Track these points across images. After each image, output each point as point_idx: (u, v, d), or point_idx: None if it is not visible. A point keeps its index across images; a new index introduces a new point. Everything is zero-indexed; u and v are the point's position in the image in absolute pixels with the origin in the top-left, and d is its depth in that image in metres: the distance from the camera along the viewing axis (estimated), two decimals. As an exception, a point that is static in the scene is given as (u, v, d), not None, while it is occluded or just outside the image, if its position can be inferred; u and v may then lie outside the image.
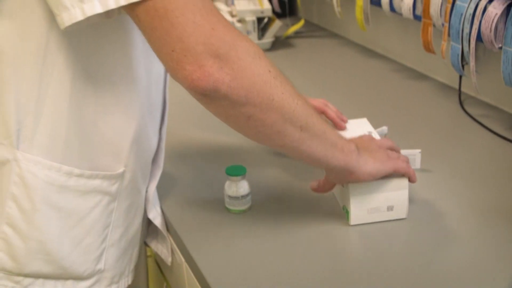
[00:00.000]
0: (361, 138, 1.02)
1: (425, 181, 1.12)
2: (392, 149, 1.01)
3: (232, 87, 0.77)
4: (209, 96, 0.77)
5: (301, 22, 1.99)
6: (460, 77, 1.42)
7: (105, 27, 0.87)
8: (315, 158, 0.91)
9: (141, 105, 0.97)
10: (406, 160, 1.00)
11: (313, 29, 2.09)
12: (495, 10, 1.16)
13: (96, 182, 0.94)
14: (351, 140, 0.95)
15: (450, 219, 1.03)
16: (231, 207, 1.05)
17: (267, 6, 1.88)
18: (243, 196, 1.04)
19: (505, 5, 1.15)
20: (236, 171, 1.05)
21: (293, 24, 2.00)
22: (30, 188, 0.90)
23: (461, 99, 1.43)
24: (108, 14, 0.77)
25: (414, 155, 1.14)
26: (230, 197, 1.05)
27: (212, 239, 1.01)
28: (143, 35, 0.78)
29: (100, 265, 0.99)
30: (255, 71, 0.80)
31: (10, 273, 0.94)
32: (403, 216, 0.99)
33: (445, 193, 1.09)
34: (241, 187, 1.04)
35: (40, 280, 0.95)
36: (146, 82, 0.98)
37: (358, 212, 0.99)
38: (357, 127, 1.15)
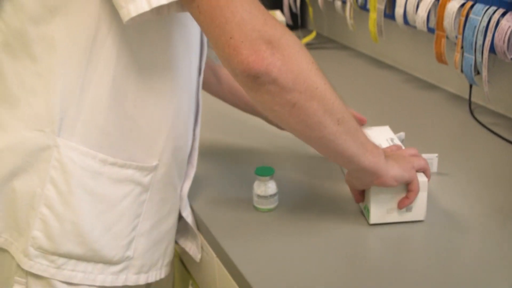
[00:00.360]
0: (387, 147, 1.06)
1: (441, 184, 1.14)
2: (415, 156, 1.03)
3: (282, 71, 0.80)
4: (260, 80, 0.81)
5: (313, 34, 2.02)
6: (471, 87, 1.45)
7: (150, 26, 0.90)
8: (348, 155, 0.93)
9: (177, 104, 0.99)
10: (427, 167, 1.02)
11: (324, 41, 2.10)
12: (508, 23, 1.20)
13: (129, 172, 0.96)
14: (375, 145, 0.97)
15: (466, 221, 1.04)
16: (259, 206, 1.07)
17: (281, 18, 1.91)
18: (271, 196, 1.06)
19: None
20: (265, 172, 1.07)
21: (304, 36, 2.03)
22: (68, 172, 0.93)
23: (471, 108, 1.45)
24: (159, 11, 0.80)
25: (431, 159, 1.16)
26: (259, 196, 1.06)
27: (243, 236, 1.02)
28: (200, 27, 0.82)
29: (129, 252, 1.00)
30: (302, 59, 0.84)
31: (46, 251, 0.96)
32: (421, 218, 1.01)
33: (462, 196, 1.11)
34: (269, 187, 1.06)
35: (73, 261, 0.97)
36: (184, 81, 1.00)
37: (378, 211, 1.00)
38: (379, 134, 1.15)
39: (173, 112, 1.00)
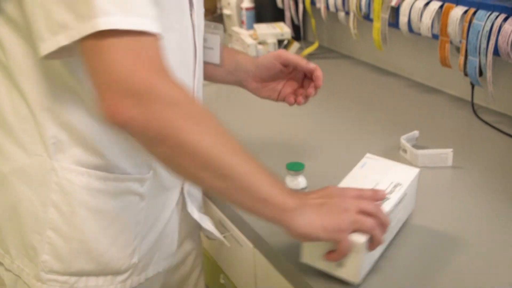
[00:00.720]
0: (322, 190, 0.88)
1: (457, 176, 1.17)
2: (359, 199, 0.86)
3: (145, 125, 0.76)
4: (125, 131, 0.78)
5: (316, 45, 2.04)
6: (472, 89, 1.49)
7: None
8: (241, 208, 0.86)
9: None
10: (381, 219, 0.84)
11: (324, 51, 2.11)
12: (511, 26, 1.25)
13: (127, 184, 0.95)
14: (297, 195, 0.85)
15: (484, 207, 1.07)
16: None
17: (286, 29, 1.95)
18: (302, 189, 1.10)
19: None
20: (296, 167, 1.11)
21: (307, 47, 2.05)
22: (68, 194, 0.93)
23: (474, 108, 1.50)
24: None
25: (446, 154, 1.21)
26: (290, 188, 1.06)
27: (278, 227, 1.02)
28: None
29: (134, 259, 1.00)
30: (175, 114, 0.78)
31: (57, 273, 0.96)
32: (354, 279, 0.86)
33: (477, 186, 1.15)
34: (300, 181, 1.10)
35: (84, 278, 0.97)
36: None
37: (311, 252, 0.88)
38: (394, 173, 0.98)
39: None
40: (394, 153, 1.31)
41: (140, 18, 0.77)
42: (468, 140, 1.37)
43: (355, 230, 0.82)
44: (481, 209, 1.08)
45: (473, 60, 1.36)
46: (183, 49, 1.00)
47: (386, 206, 0.88)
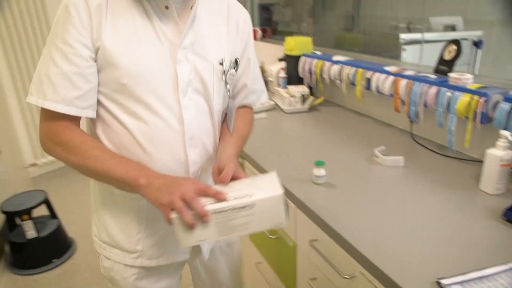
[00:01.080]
0: (173, 178, 0.77)
1: (408, 173, 1.20)
2: (194, 192, 0.75)
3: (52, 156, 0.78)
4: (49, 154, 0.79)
5: (322, 98, 2.07)
6: (411, 124, 1.56)
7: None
8: (119, 189, 0.81)
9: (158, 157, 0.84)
10: (194, 207, 0.74)
11: (326, 102, 2.09)
12: (432, 90, 1.36)
13: (132, 195, 0.88)
14: (149, 177, 0.75)
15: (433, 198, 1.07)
16: (315, 181, 1.18)
17: (306, 89, 1.98)
18: (322, 176, 1.18)
19: (437, 88, 1.32)
20: (320, 163, 1.19)
21: (316, 99, 2.06)
22: (98, 199, 0.92)
23: (412, 135, 1.56)
24: None
25: (399, 159, 1.27)
26: (316, 176, 1.18)
27: (307, 201, 1.08)
28: None
29: (139, 247, 0.92)
30: (57, 154, 0.78)
31: (98, 238, 0.95)
32: (179, 245, 0.77)
33: (417, 178, 1.17)
34: (321, 171, 1.18)
35: (109, 247, 0.94)
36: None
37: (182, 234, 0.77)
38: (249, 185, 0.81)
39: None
40: (369, 158, 1.35)
41: (51, 102, 0.75)
42: (410, 152, 1.40)
43: (172, 209, 0.73)
44: (419, 189, 1.13)
45: (413, 108, 1.47)
46: (160, 68, 0.80)
47: (217, 204, 0.76)
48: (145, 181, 0.74)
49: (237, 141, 0.91)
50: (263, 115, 1.90)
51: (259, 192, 0.76)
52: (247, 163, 1.50)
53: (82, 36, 0.74)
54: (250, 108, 1.03)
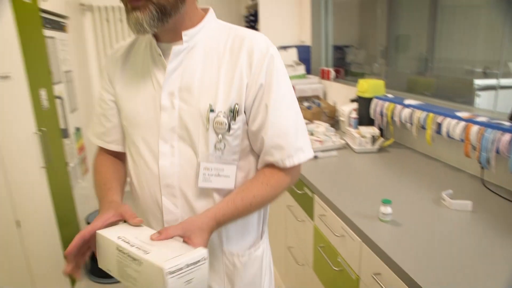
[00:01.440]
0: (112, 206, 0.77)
1: (477, 217, 1.21)
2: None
3: None
4: None
5: (392, 140, 2.09)
6: (482, 170, 1.54)
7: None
8: None
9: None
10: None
11: (396, 144, 2.09)
12: (506, 138, 1.38)
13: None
14: (109, 208, 0.77)
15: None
16: (382, 218, 1.23)
17: (376, 130, 2.02)
18: (388, 214, 1.23)
19: (511, 135, 1.35)
20: (387, 201, 1.24)
21: (386, 140, 2.09)
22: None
23: (483, 182, 1.55)
24: None
25: (468, 203, 1.29)
26: (382, 213, 1.23)
27: (372, 236, 1.14)
28: None
29: None
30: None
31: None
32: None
33: (490, 224, 1.17)
34: (388, 209, 1.23)
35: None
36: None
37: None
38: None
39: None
40: (436, 201, 1.37)
41: (91, 135, 0.90)
42: (479, 198, 1.39)
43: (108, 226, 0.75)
44: (487, 234, 1.13)
45: (484, 155, 1.48)
46: (148, 114, 0.80)
47: (121, 241, 0.70)
48: (101, 207, 0.79)
49: (226, 204, 0.79)
50: (333, 153, 1.93)
51: (157, 255, 0.67)
52: (316, 197, 1.55)
53: (105, 82, 0.87)
54: (278, 168, 0.81)
